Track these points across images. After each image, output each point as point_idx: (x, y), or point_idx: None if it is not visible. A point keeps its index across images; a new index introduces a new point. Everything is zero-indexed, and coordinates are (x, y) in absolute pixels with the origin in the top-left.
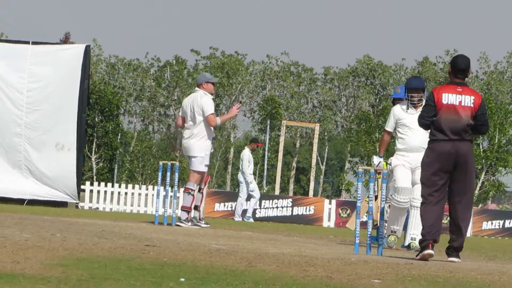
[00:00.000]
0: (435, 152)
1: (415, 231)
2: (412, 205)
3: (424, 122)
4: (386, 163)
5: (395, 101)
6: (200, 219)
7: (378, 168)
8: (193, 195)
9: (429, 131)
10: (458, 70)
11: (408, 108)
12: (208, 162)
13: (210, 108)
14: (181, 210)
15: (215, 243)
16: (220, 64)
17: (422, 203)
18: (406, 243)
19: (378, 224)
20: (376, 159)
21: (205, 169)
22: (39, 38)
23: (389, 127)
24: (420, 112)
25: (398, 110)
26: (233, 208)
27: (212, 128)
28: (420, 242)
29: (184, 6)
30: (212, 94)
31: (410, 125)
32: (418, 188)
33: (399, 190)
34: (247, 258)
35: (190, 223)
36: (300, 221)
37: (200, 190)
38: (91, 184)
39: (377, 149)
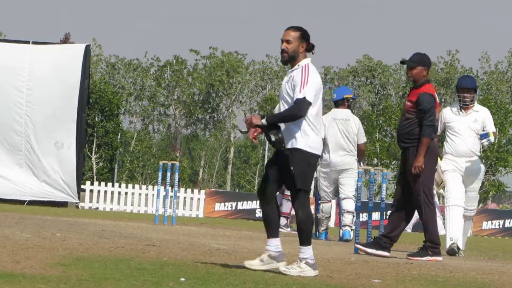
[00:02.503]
0: (435, 154)
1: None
2: (465, 215)
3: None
4: None
5: (337, 104)
6: (288, 225)
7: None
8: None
9: (478, 135)
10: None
11: (460, 110)
12: None
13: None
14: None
15: (215, 243)
16: (219, 62)
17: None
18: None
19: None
20: None
21: None
22: (39, 38)
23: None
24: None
25: (447, 113)
26: (233, 208)
27: None
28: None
29: (184, 6)
30: None
31: (459, 128)
32: (469, 197)
33: None
34: (247, 258)
35: (289, 229)
36: None
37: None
38: (91, 184)
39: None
